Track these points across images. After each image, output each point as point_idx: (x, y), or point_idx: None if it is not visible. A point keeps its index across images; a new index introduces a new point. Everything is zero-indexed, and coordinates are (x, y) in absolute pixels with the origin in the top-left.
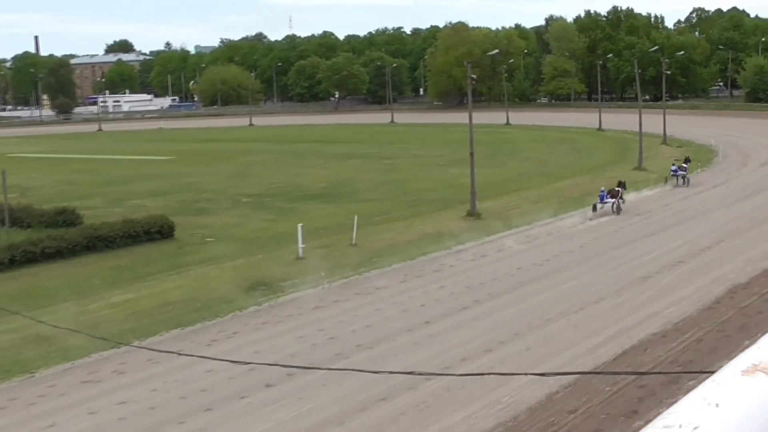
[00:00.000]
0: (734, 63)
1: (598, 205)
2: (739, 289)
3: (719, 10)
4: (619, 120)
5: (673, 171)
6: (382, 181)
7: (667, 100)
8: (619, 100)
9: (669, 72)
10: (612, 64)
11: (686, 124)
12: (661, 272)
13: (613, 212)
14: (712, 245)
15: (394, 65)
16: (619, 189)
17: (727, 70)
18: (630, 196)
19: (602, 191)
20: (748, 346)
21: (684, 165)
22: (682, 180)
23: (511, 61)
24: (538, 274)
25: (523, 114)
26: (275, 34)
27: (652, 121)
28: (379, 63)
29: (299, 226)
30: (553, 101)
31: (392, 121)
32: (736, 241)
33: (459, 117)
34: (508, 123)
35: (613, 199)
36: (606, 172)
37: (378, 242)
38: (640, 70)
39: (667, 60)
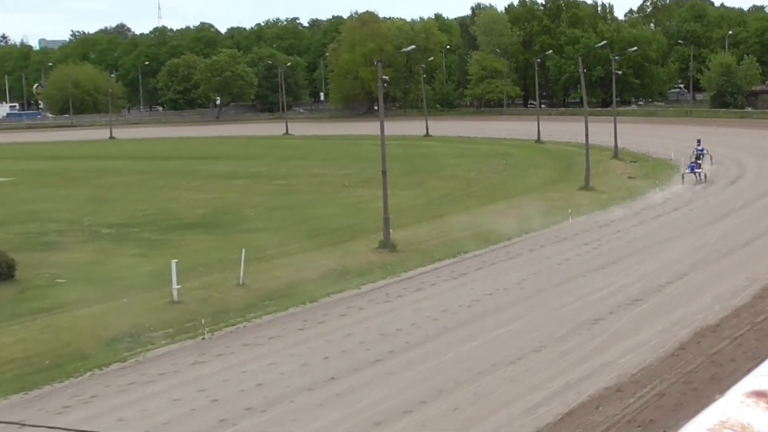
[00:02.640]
0: (696, 61)
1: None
2: (708, 332)
3: None
4: (562, 129)
5: (690, 167)
6: (276, 206)
7: (618, 106)
8: (561, 105)
9: (620, 72)
10: (552, 63)
11: (642, 134)
12: (615, 313)
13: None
14: (673, 280)
15: (288, 64)
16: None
17: (688, 69)
18: (574, 222)
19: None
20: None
21: (700, 150)
22: (702, 177)
23: (431, 59)
24: (467, 318)
25: (445, 123)
26: (141, 25)
27: (601, 130)
28: (269, 62)
29: (173, 262)
30: (481, 108)
31: (287, 133)
32: (702, 275)
33: (368, 127)
34: (427, 134)
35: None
36: (546, 193)
37: (271, 281)
38: (585, 70)
39: (617, 57)
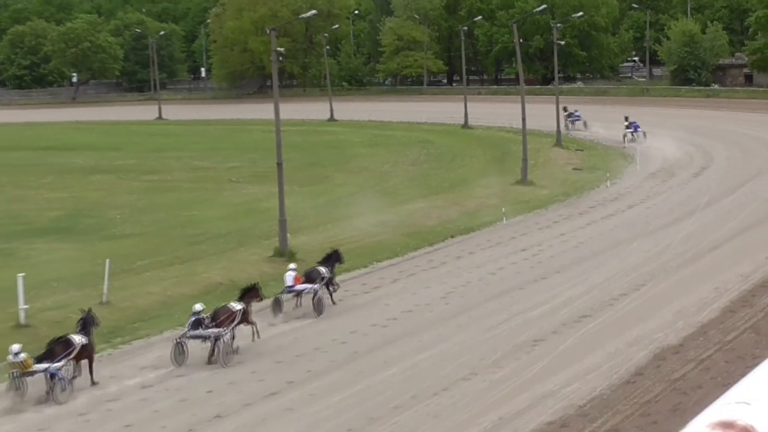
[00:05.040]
0: (654, 29)
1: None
2: (669, 353)
3: None
4: (494, 112)
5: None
6: (147, 206)
7: (561, 83)
8: (493, 83)
9: (563, 42)
10: (482, 31)
11: (589, 117)
12: (559, 332)
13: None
14: (628, 291)
15: (161, 34)
16: (323, 270)
17: (643, 39)
18: (509, 223)
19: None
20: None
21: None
22: (638, 135)
23: (336, 27)
24: (381, 340)
25: (354, 105)
26: None
27: (541, 113)
28: (137, 30)
29: (19, 277)
30: (397, 86)
31: (160, 117)
32: (661, 285)
33: (260, 110)
34: (332, 118)
35: (309, 286)
36: (475, 189)
37: (142, 299)
38: (521, 40)
39: (559, 25)
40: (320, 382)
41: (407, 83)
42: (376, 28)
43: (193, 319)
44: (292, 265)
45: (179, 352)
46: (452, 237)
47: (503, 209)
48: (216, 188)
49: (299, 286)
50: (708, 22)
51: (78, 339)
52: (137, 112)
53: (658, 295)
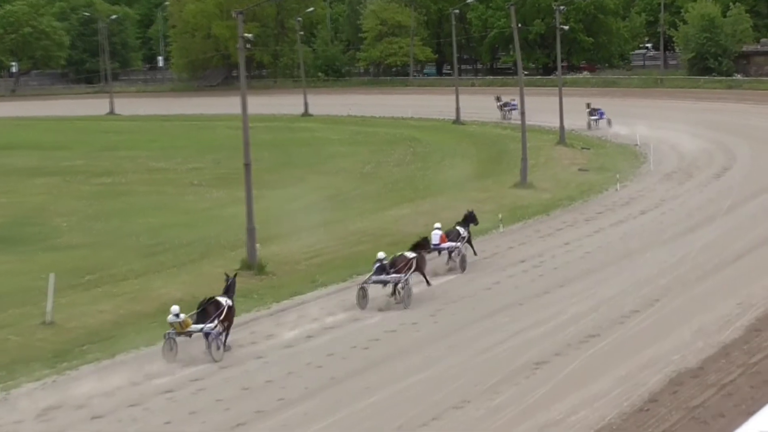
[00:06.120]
0: (669, 12)
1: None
2: (687, 377)
3: None
4: (489, 105)
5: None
6: (97, 213)
7: (565, 73)
8: (488, 73)
9: (566, 27)
10: (475, 15)
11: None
12: (563, 354)
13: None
14: (641, 308)
15: (113, 18)
16: (462, 230)
17: (657, 23)
18: (506, 231)
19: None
20: None
21: (596, 111)
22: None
23: (311, 10)
24: (363, 364)
25: (331, 98)
26: None
27: (543, 106)
28: (86, 14)
29: None
30: (380, 76)
31: (112, 112)
32: (678, 301)
33: (225, 104)
34: (307, 113)
35: (453, 244)
36: (468, 192)
37: (92, 317)
38: (520, 25)
39: (562, 8)
40: (293, 411)
41: (391, 73)
42: (356, 11)
43: (377, 265)
44: (437, 224)
45: (362, 296)
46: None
47: (500, 215)
48: (175, 192)
49: (444, 245)
50: (730, 4)
51: (224, 301)
52: (86, 106)
53: (675, 312)
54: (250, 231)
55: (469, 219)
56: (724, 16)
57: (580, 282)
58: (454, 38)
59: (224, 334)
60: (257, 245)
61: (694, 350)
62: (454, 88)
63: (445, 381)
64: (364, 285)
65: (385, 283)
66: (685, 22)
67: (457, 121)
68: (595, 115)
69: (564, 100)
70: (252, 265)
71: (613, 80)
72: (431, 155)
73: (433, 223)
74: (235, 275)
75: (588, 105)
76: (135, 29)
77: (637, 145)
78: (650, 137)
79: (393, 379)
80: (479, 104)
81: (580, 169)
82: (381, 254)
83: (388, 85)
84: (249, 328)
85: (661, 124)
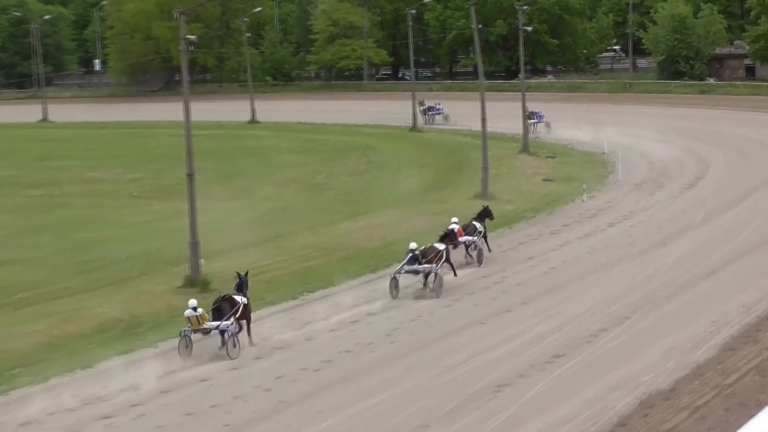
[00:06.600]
0: (638, 12)
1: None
2: (658, 400)
3: None
4: (449, 111)
5: (533, 121)
6: (29, 227)
7: (529, 77)
8: (447, 77)
9: (530, 28)
10: (433, 16)
11: (561, 117)
12: (527, 375)
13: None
14: (609, 326)
15: (47, 18)
16: (478, 225)
17: (626, 24)
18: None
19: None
20: None
21: (535, 114)
22: (540, 126)
23: (259, 10)
24: (314, 387)
25: (280, 103)
26: None
27: (505, 112)
28: (16, 14)
29: None
30: (332, 81)
31: (45, 119)
32: (649, 319)
33: (167, 110)
34: (254, 120)
35: (470, 238)
36: (426, 204)
37: (22, 339)
38: (480, 25)
39: (525, 7)
40: None
41: (344, 78)
42: (306, 11)
43: (410, 255)
44: (454, 219)
45: (394, 285)
46: (399, 262)
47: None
48: (114, 205)
49: (462, 239)
50: (701, 4)
51: (239, 298)
52: (17, 112)
53: (645, 331)
54: (194, 246)
55: (484, 214)
56: (696, 17)
57: (544, 299)
58: (410, 40)
59: (241, 331)
60: (201, 261)
61: (665, 371)
62: (411, 93)
63: (402, 405)
64: (396, 275)
65: (417, 272)
66: (654, 23)
67: (414, 128)
68: (533, 119)
69: (528, 105)
70: (195, 282)
71: (578, 84)
72: (387, 164)
73: (388, 236)
74: (246, 273)
75: (527, 110)
76: (70, 30)
77: (604, 153)
78: (619, 145)
79: (346, 402)
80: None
81: (544, 179)
82: (413, 245)
83: (341, 90)
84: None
85: (630, 131)
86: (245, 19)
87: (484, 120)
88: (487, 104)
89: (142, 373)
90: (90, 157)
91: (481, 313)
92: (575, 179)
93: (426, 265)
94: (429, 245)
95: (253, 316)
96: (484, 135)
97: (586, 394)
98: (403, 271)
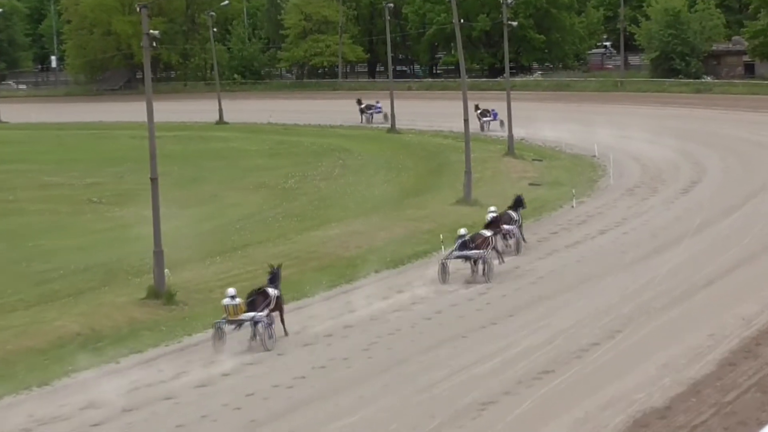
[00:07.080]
0: (629, 6)
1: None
2: (653, 418)
3: None
4: (427, 111)
5: (488, 119)
6: None
7: (514, 75)
8: (427, 74)
9: (515, 23)
10: (411, 10)
11: (549, 118)
12: (513, 392)
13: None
14: (600, 340)
15: None
16: (514, 214)
17: (617, 18)
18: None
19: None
20: None
21: (489, 112)
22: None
23: (226, 3)
24: (286, 405)
25: (249, 103)
26: None
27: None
28: None
29: None
30: (304, 79)
31: None
32: (642, 332)
33: (128, 110)
34: (221, 120)
35: (508, 227)
36: (405, 209)
37: None
38: (462, 20)
39: (510, 1)
40: None
41: (318, 75)
42: (276, 5)
43: (460, 241)
44: (492, 208)
45: (443, 270)
46: (376, 272)
47: (441, 236)
48: (72, 211)
49: (504, 227)
50: None
51: (272, 291)
52: None
53: (639, 345)
54: (158, 255)
55: (518, 203)
56: (691, 11)
57: (531, 311)
58: (388, 36)
59: (273, 323)
60: (166, 271)
61: (660, 387)
62: (388, 92)
63: (380, 424)
64: (445, 261)
65: (467, 258)
66: (647, 18)
67: (392, 129)
68: (487, 116)
69: (513, 105)
70: (160, 294)
71: (567, 83)
72: (363, 168)
73: (364, 244)
74: (280, 266)
75: (477, 107)
76: (24, 25)
77: (594, 156)
78: (610, 147)
79: (320, 422)
80: (417, 110)
81: (531, 184)
82: (463, 230)
83: (314, 89)
84: (156, 365)
85: (622, 132)
86: (212, 13)
87: (466, 121)
88: (470, 104)
89: (103, 390)
90: (46, 160)
91: (464, 326)
92: (564, 184)
93: (477, 251)
94: (477, 232)
95: (208, 332)
96: (466, 137)
97: (576, 413)
98: (453, 257)
